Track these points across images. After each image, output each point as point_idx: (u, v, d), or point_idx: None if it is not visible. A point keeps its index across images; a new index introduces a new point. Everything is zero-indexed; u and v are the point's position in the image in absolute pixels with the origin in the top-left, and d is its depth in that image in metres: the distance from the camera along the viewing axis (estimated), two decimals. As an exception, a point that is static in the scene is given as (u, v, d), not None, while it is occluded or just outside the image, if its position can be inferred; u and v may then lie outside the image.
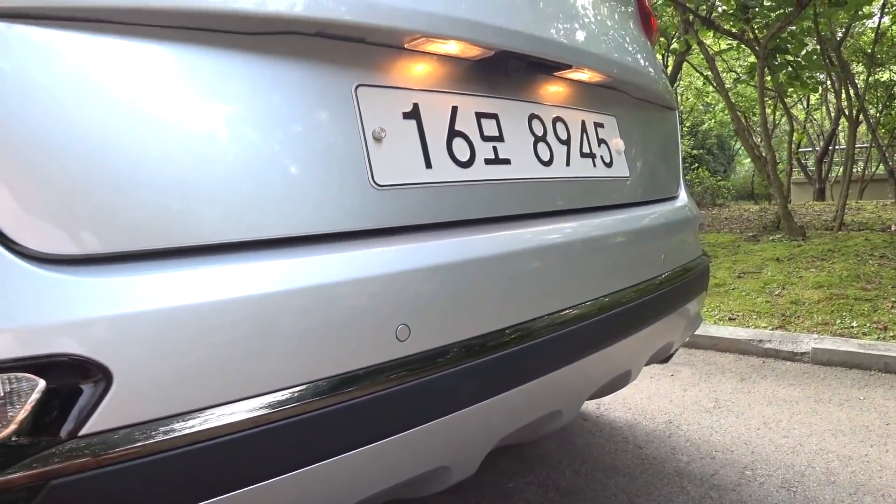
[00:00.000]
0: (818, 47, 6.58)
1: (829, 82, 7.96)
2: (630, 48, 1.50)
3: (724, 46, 8.66)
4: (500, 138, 1.02)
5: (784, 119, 10.72)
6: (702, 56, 8.06)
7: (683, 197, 1.70)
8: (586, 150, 1.23)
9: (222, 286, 0.67)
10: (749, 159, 6.79)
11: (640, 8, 1.70)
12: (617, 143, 1.36)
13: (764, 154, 6.64)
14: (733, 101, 10.32)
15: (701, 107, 18.12)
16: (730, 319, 3.74)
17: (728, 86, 9.25)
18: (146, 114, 0.67)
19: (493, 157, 1.00)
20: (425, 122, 0.90)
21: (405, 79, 0.90)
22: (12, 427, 0.58)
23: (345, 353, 0.74)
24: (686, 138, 17.57)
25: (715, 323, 3.69)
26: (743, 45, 7.32)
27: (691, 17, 6.72)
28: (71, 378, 0.60)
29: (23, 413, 0.58)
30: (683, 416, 2.50)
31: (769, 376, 2.91)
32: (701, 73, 11.72)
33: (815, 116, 14.29)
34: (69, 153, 0.62)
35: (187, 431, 0.63)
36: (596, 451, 2.23)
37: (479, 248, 0.91)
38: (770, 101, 10.11)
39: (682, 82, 15.09)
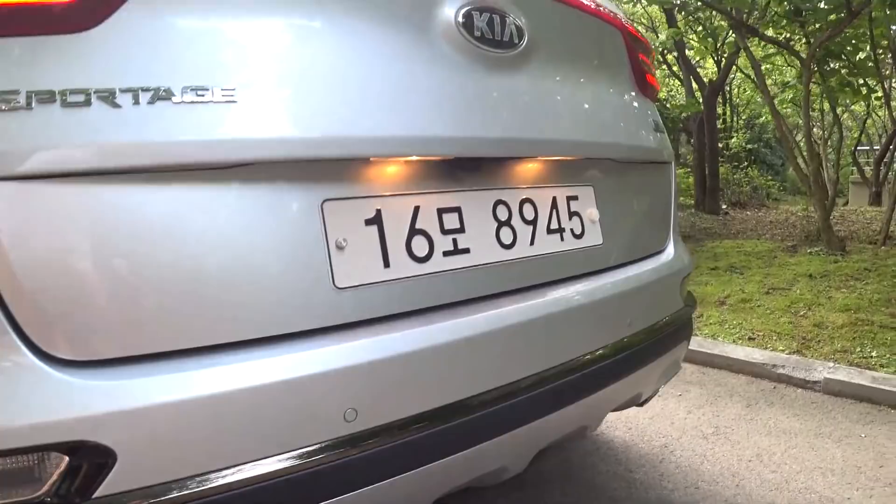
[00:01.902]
0: (871, 53, 6.37)
1: (881, 90, 7.66)
2: (614, 115, 1.58)
3: (771, 50, 8.42)
4: (460, 230, 1.15)
5: (836, 123, 10.37)
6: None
7: (670, 250, 1.77)
8: (554, 226, 1.35)
9: (201, 384, 0.86)
10: (806, 153, 6.62)
11: (633, 66, 1.75)
12: (591, 213, 1.46)
13: (807, 163, 6.49)
14: (790, 100, 10.03)
15: (759, 99, 17.49)
16: (749, 339, 3.77)
17: (774, 92, 8.98)
18: (143, 240, 0.84)
19: (451, 248, 1.13)
20: (386, 226, 1.05)
21: (369, 187, 1.05)
22: (45, 489, 0.79)
23: (296, 433, 0.91)
24: (742, 131, 17.13)
25: (733, 342, 3.73)
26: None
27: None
28: (86, 457, 0.80)
29: (51, 480, 0.79)
30: (681, 440, 2.59)
31: (776, 404, 2.96)
32: (748, 77, 11.35)
33: (878, 114, 13.69)
34: (85, 280, 0.80)
35: (174, 495, 0.82)
36: (589, 472, 2.36)
37: (429, 336, 1.05)
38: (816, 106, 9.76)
39: (738, 74, 14.62)
